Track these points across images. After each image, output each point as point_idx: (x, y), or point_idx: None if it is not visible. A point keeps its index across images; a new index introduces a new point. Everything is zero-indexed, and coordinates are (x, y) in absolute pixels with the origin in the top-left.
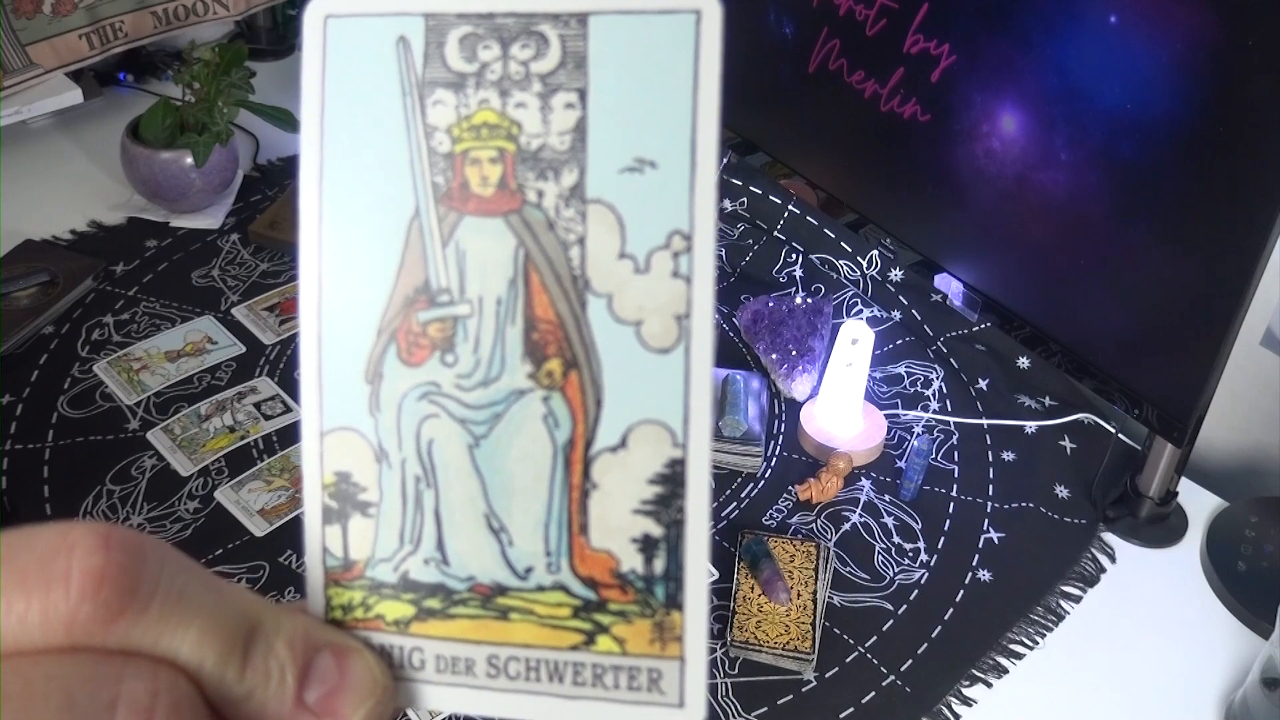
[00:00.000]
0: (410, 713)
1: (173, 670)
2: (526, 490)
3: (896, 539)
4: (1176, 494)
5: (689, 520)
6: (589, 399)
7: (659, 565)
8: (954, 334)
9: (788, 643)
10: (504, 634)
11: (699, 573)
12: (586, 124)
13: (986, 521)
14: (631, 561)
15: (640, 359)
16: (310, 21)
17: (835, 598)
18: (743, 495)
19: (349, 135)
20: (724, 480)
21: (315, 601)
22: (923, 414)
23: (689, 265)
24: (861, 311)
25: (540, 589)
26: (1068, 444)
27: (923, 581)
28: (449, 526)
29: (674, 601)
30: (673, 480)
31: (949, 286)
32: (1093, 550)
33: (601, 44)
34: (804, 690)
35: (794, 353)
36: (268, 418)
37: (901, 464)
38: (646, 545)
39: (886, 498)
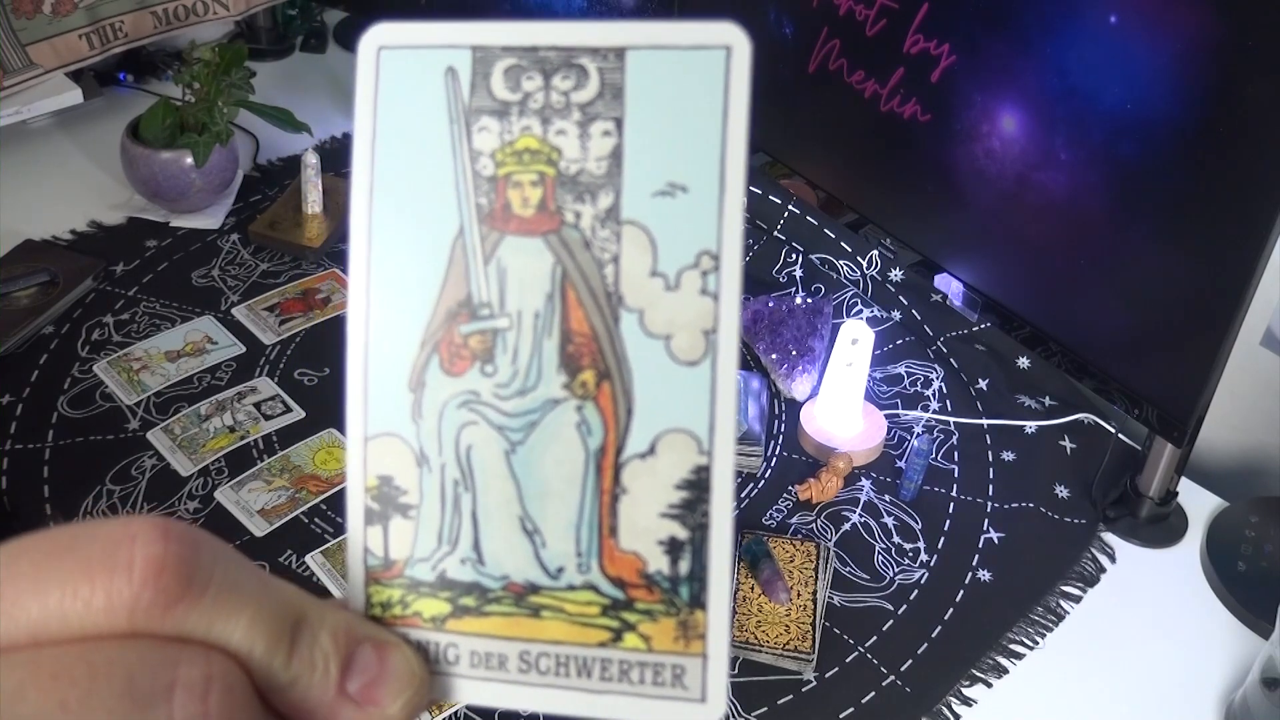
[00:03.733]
0: None
1: (225, 656)
2: (559, 494)
3: (896, 539)
4: (1176, 494)
5: (713, 524)
6: (620, 408)
7: (684, 566)
8: (954, 334)
9: (788, 643)
10: (535, 631)
11: (722, 574)
12: (622, 150)
13: (986, 521)
14: (658, 563)
15: (669, 371)
16: (364, 52)
17: (835, 598)
18: (743, 495)
19: (398, 158)
20: None
21: (356, 598)
22: (923, 414)
23: (716, 283)
24: (861, 311)
25: (571, 588)
26: (1068, 444)
27: (923, 581)
28: (485, 528)
29: (698, 601)
30: (698, 486)
31: (949, 286)
32: (1093, 550)
33: (637, 77)
34: (804, 690)
35: (794, 353)
36: (268, 418)
37: (901, 464)
38: (673, 547)
39: (886, 498)
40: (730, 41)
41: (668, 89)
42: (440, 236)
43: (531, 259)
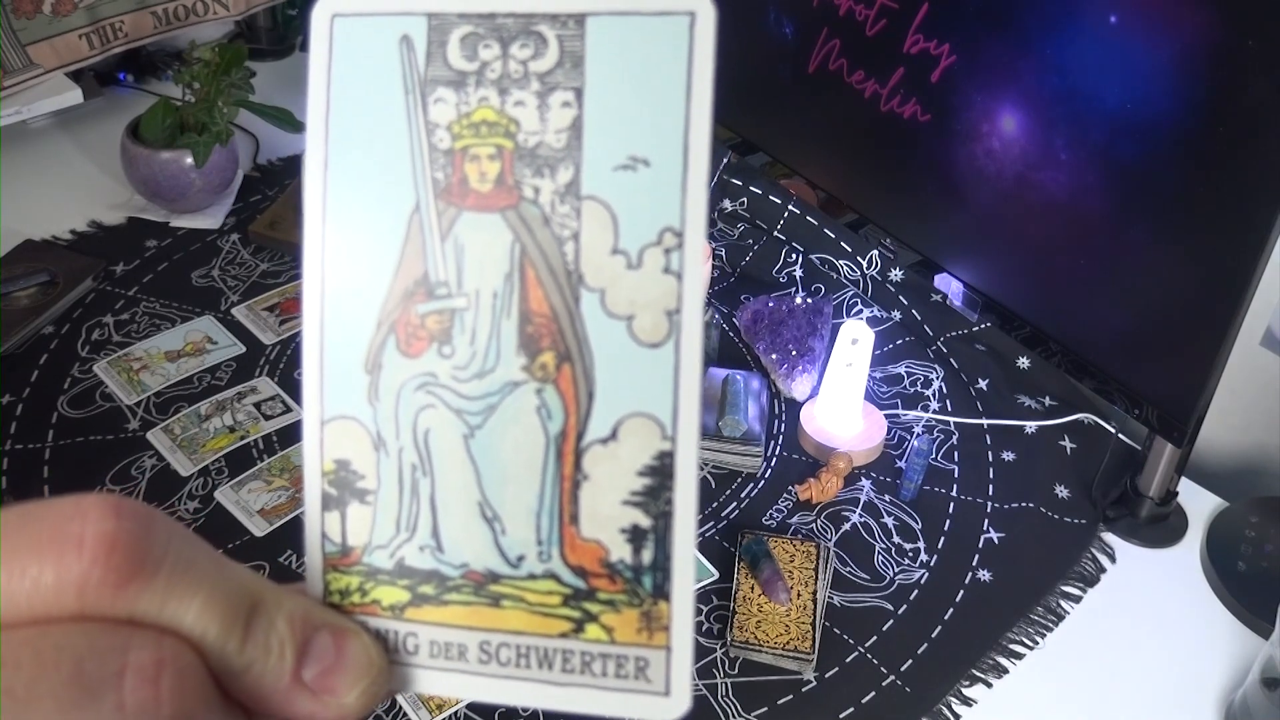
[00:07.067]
0: (399, 697)
1: (177, 640)
2: (519, 480)
3: (896, 539)
4: (1176, 494)
5: (677, 512)
6: (581, 391)
7: (647, 556)
8: (954, 334)
9: (788, 643)
10: (496, 621)
11: (686, 564)
12: (582, 122)
13: (986, 521)
14: (620, 551)
15: (631, 353)
16: (317, 20)
17: (835, 598)
18: (743, 495)
19: (353, 131)
20: (724, 480)
21: (314, 586)
22: (923, 414)
23: (680, 262)
24: (861, 311)
25: (531, 577)
26: (1068, 444)
27: (923, 581)
28: (444, 514)
29: (661, 591)
30: (661, 472)
31: (949, 286)
32: (1093, 550)
33: (598, 44)
34: (804, 690)
35: (794, 353)
36: (268, 418)
37: (901, 464)
38: (635, 536)
39: (886, 498)
40: (694, 7)
41: (629, 57)
42: (396, 212)
43: (490, 236)
